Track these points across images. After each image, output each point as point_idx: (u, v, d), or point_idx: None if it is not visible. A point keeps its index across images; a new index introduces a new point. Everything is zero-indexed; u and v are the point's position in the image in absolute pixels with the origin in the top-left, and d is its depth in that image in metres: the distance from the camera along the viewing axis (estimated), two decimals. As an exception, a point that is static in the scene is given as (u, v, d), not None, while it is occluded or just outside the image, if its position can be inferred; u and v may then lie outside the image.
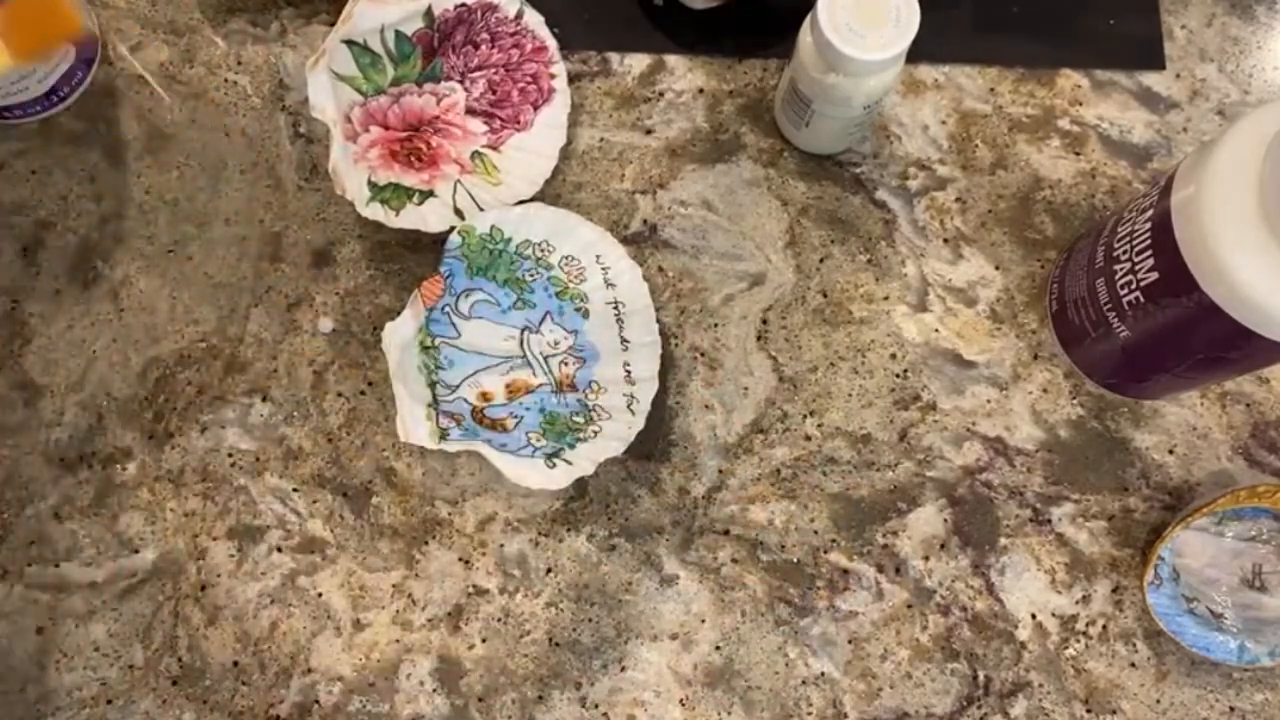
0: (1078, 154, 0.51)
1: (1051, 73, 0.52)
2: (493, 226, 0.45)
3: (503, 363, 0.45)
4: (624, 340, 0.45)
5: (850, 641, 0.45)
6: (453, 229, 0.45)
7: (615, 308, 0.46)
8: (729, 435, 0.47)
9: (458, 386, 0.45)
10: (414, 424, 0.43)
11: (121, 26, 0.51)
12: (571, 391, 0.45)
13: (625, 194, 0.50)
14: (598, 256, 0.46)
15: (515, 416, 0.44)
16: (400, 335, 0.44)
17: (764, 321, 0.48)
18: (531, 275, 0.46)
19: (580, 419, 0.44)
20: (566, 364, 0.45)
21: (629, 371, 0.45)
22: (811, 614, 0.45)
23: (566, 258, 0.46)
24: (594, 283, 0.46)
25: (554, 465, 0.43)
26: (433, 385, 0.44)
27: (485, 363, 0.45)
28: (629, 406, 0.44)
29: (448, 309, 0.45)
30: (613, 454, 0.43)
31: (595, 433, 0.44)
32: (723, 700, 0.44)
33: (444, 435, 0.43)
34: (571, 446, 0.44)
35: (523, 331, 0.45)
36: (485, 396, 0.45)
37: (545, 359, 0.45)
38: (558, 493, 0.46)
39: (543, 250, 0.46)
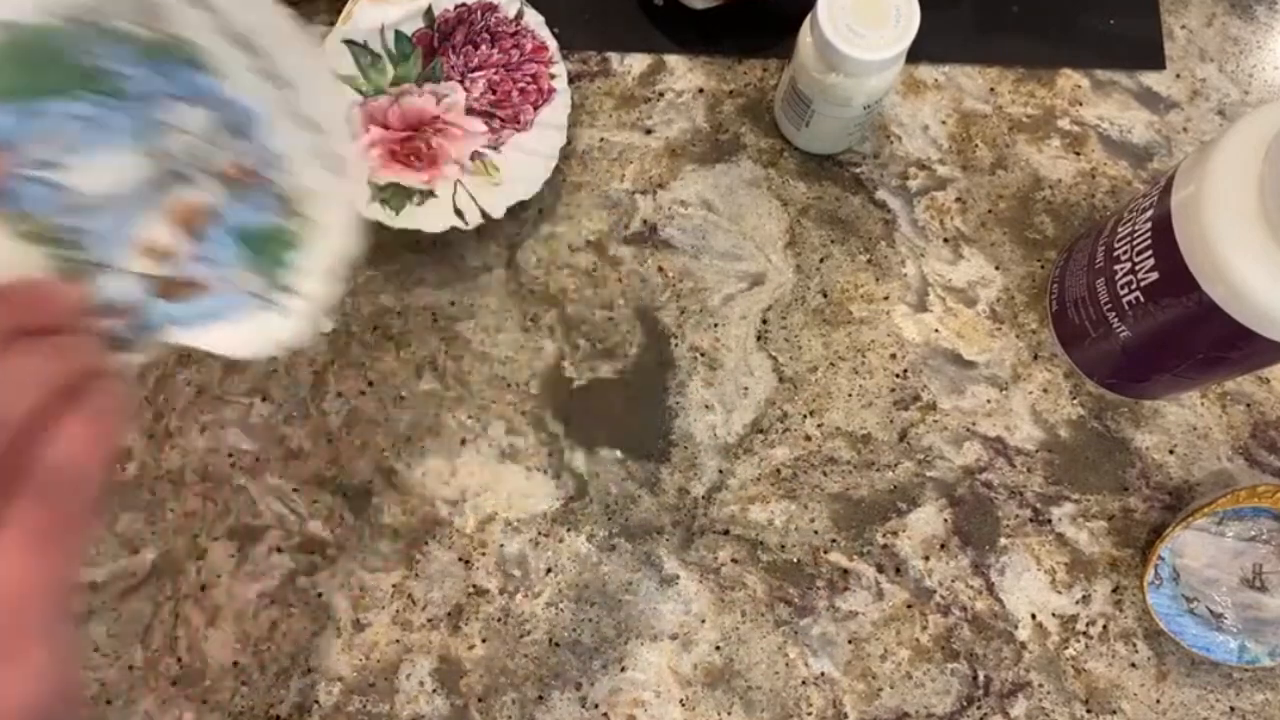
0: (1078, 154, 0.51)
1: (1052, 73, 0.52)
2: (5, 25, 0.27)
3: (148, 194, 0.29)
4: (277, 78, 0.30)
5: (850, 641, 0.45)
6: None
7: (232, 35, 0.29)
8: (729, 435, 0.47)
9: (108, 263, 0.29)
10: None
11: (121, 26, 0.51)
12: (257, 185, 0.30)
13: (625, 194, 0.50)
14: None
15: (210, 261, 0.30)
16: None
17: (764, 321, 0.48)
18: (105, 57, 0.28)
19: (287, 220, 0.30)
20: (229, 147, 0.30)
21: (306, 118, 0.30)
22: (811, 614, 0.45)
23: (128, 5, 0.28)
24: (182, 14, 0.29)
25: (278, 306, 0.30)
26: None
27: (124, 207, 0.29)
28: (335, 168, 0.30)
29: (20, 172, 0.28)
30: (343, 253, 0.31)
31: (313, 229, 0.31)
32: (723, 700, 0.44)
33: (117, 346, 0.28)
34: (291, 267, 0.30)
35: (146, 135, 0.29)
36: (154, 251, 0.29)
37: (196, 156, 0.29)
38: (556, 492, 0.46)
39: (94, 15, 0.27)
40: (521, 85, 0.49)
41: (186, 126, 0.29)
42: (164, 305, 0.29)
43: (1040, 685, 0.45)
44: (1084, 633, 0.45)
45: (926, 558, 0.46)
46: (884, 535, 0.46)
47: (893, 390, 0.48)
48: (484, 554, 0.45)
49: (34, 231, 0.28)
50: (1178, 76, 0.52)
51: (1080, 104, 0.52)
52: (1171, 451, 0.47)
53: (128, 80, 0.28)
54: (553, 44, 0.49)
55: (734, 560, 0.46)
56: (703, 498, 0.46)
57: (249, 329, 0.30)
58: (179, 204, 0.29)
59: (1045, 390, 0.48)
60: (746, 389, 0.47)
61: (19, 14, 0.27)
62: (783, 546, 0.46)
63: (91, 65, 0.28)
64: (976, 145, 0.51)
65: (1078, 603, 0.46)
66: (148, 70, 0.28)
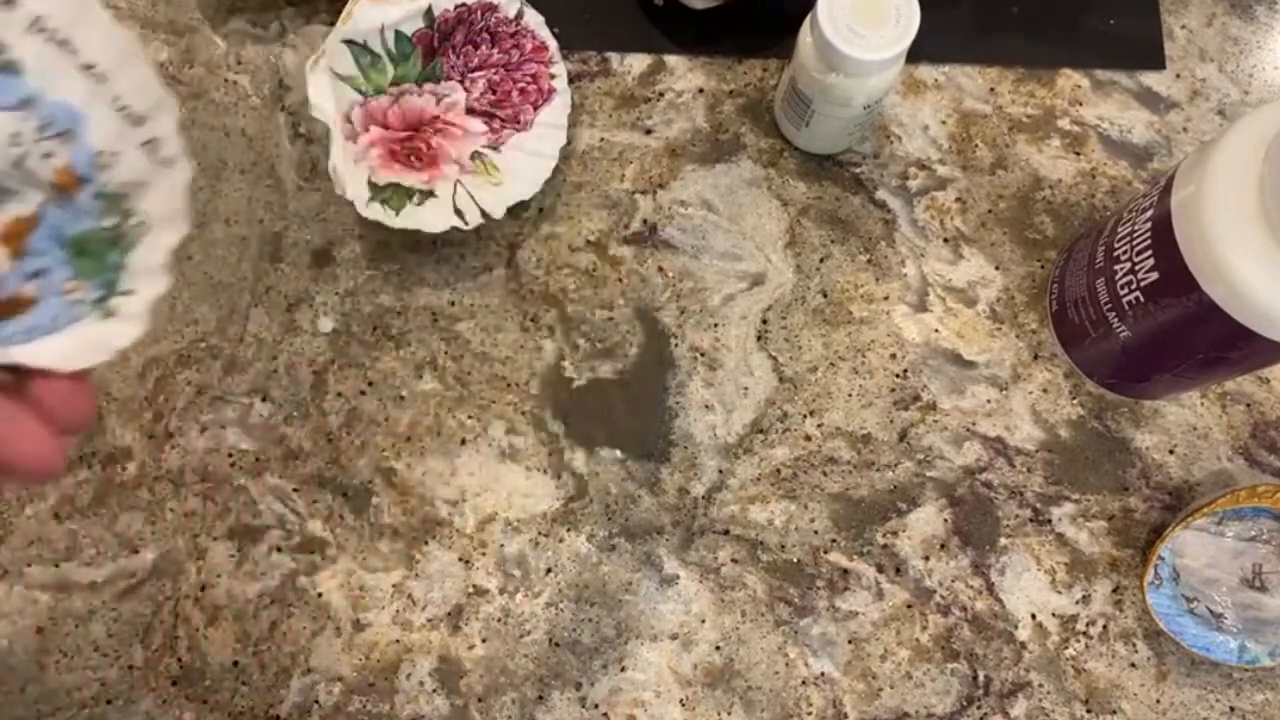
0: (1078, 154, 0.51)
1: (1052, 73, 0.52)
2: None
3: None
4: (89, 67, 0.27)
5: (850, 641, 0.45)
6: None
7: (45, 32, 0.27)
8: (729, 435, 0.47)
9: None
10: None
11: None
12: (81, 188, 0.28)
13: (625, 194, 0.50)
14: None
15: (33, 275, 0.28)
16: None
17: (764, 321, 0.48)
18: None
19: (113, 219, 0.28)
20: (50, 153, 0.27)
21: (126, 109, 0.28)
22: (811, 614, 0.45)
23: None
24: None
25: (110, 311, 0.28)
26: None
27: None
28: (159, 159, 0.28)
29: None
30: (175, 239, 0.29)
31: (140, 225, 0.29)
32: (723, 700, 0.44)
33: None
34: (120, 268, 0.28)
35: None
36: None
37: (19, 163, 0.27)
38: (556, 492, 0.46)
39: None
40: (521, 85, 0.49)
41: (5, 136, 0.26)
42: None
43: (1040, 685, 0.45)
44: (1084, 633, 0.45)
45: (926, 558, 0.46)
46: (884, 535, 0.46)
47: (893, 390, 0.48)
48: (484, 554, 0.45)
49: None
50: (1178, 76, 0.52)
51: (1080, 104, 0.52)
52: (1171, 451, 0.47)
53: None
54: (553, 44, 0.49)
55: (734, 560, 0.46)
56: (703, 498, 0.46)
57: (80, 338, 0.28)
58: (4, 221, 0.27)
59: (1045, 390, 0.48)
60: (746, 389, 0.47)
61: None
62: (783, 546, 0.46)
63: None
64: (976, 145, 0.51)
65: (1078, 603, 0.46)
66: None
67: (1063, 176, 0.50)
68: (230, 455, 0.46)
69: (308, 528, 0.45)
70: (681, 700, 0.44)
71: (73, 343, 0.27)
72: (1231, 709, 0.45)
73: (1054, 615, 0.45)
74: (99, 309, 0.28)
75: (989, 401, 0.48)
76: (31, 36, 0.26)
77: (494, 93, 0.49)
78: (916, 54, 0.51)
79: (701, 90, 0.51)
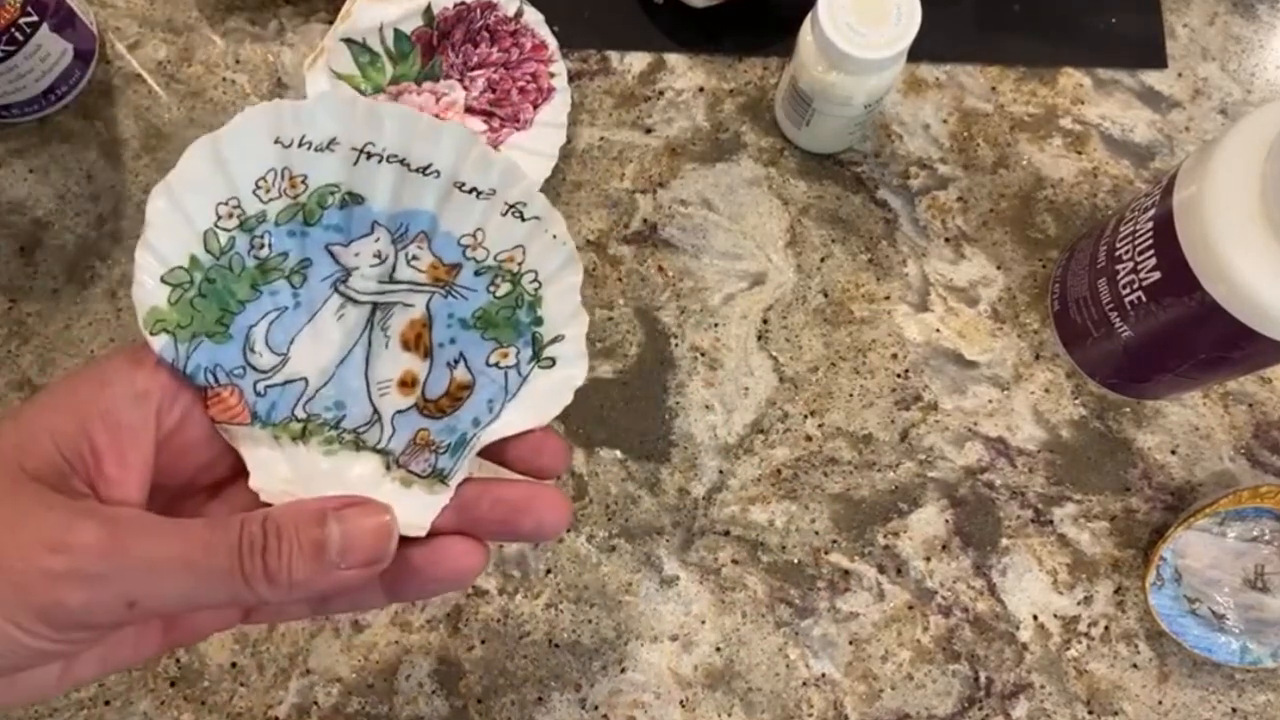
0: (1079, 153, 0.51)
1: (1053, 71, 0.52)
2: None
3: (364, 340, 0.29)
4: (424, 169, 0.29)
5: (851, 643, 0.45)
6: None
7: (373, 156, 0.28)
8: (729, 435, 0.47)
9: (377, 419, 0.29)
10: (402, 507, 0.27)
11: (119, 25, 0.51)
12: (456, 273, 0.30)
13: (625, 193, 0.50)
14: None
15: (453, 363, 0.30)
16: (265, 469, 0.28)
17: (764, 321, 0.48)
18: (263, 245, 0.28)
19: (506, 286, 0.29)
20: (415, 256, 0.29)
21: (473, 190, 0.29)
22: (812, 615, 0.45)
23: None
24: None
25: (550, 360, 0.30)
26: (355, 443, 0.29)
27: (355, 360, 0.29)
28: (525, 217, 0.29)
29: (240, 359, 0.28)
30: (576, 279, 0.29)
31: (535, 281, 0.29)
32: (723, 702, 0.44)
33: (441, 477, 0.29)
34: (537, 323, 0.30)
35: (334, 286, 0.29)
36: (407, 384, 0.29)
37: (391, 276, 0.29)
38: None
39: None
40: (521, 84, 0.49)
41: (359, 261, 0.29)
42: (458, 419, 0.29)
43: (1042, 686, 0.45)
44: (1086, 634, 0.45)
45: (928, 558, 0.46)
46: (885, 536, 0.46)
47: (894, 390, 0.48)
48: (483, 554, 0.45)
49: (295, 433, 0.29)
50: (1180, 75, 0.52)
51: (1082, 103, 0.51)
52: (1173, 452, 0.47)
53: (288, 256, 0.29)
54: (552, 42, 0.49)
55: (734, 561, 0.45)
56: (703, 498, 0.46)
57: (536, 392, 0.30)
58: (403, 328, 0.29)
59: (1047, 390, 0.48)
60: (747, 389, 0.47)
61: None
62: (783, 547, 0.46)
63: (258, 261, 0.28)
64: (978, 144, 0.51)
65: (1079, 604, 0.45)
66: (299, 230, 0.29)
67: (1064, 176, 0.50)
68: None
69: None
70: (682, 702, 0.44)
71: (533, 399, 0.29)
72: (1233, 710, 0.45)
73: (1055, 616, 0.45)
74: (538, 362, 0.30)
75: (990, 401, 0.48)
76: (370, 165, 0.29)
77: (493, 91, 0.49)
78: (917, 53, 0.51)
79: (702, 89, 0.51)
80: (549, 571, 0.45)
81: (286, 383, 0.29)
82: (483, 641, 0.44)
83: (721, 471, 0.46)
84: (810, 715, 0.44)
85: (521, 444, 0.29)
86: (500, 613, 0.45)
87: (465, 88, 0.49)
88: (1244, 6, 0.53)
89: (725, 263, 0.49)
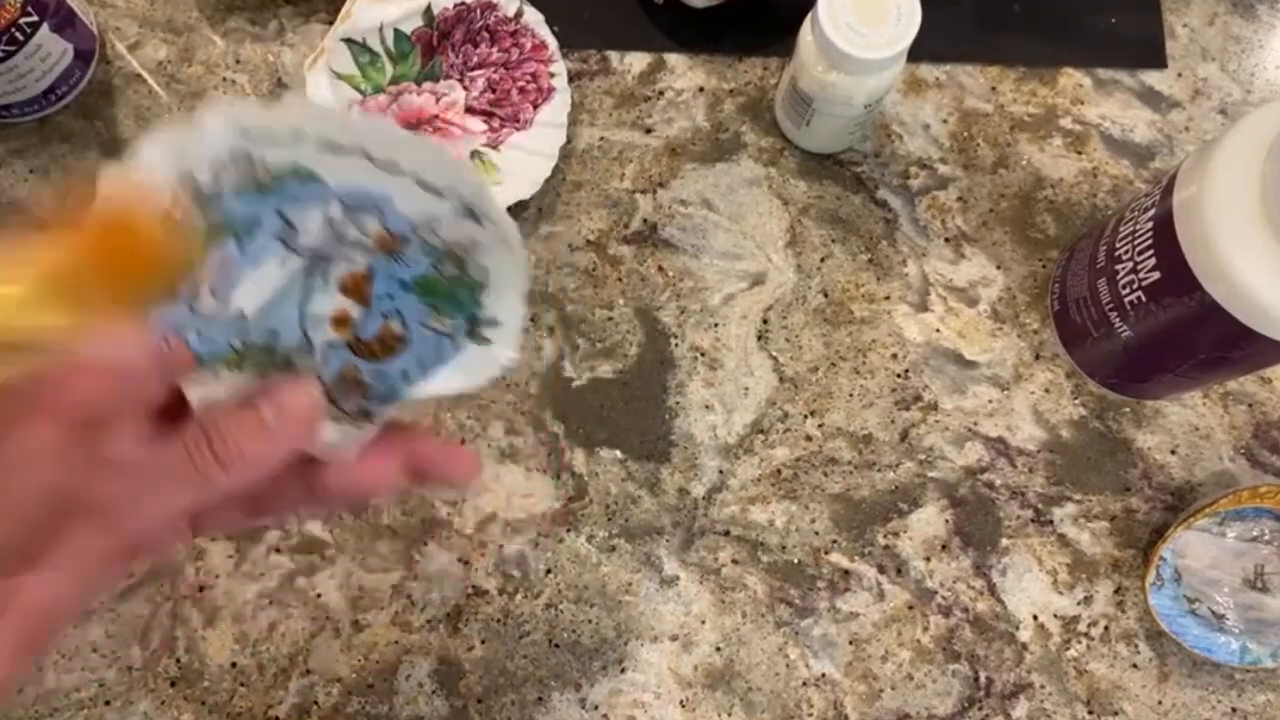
0: (1079, 153, 0.51)
1: (1053, 71, 0.52)
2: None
3: (306, 281, 0.30)
4: (390, 165, 0.30)
5: (851, 643, 0.45)
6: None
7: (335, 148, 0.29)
8: (729, 435, 0.47)
9: (308, 348, 0.30)
10: (330, 436, 0.29)
11: (120, 25, 0.51)
12: (405, 246, 0.30)
13: (625, 193, 0.50)
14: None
15: (389, 315, 0.31)
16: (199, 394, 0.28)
17: (764, 321, 0.48)
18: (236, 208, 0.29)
19: (452, 270, 0.31)
20: (364, 224, 0.30)
21: (429, 185, 0.30)
22: (812, 615, 0.45)
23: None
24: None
25: (485, 338, 0.31)
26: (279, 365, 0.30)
27: (290, 298, 0.30)
28: (479, 218, 0.30)
29: (186, 313, 0.29)
30: (522, 280, 0.30)
31: (482, 269, 0.31)
32: (723, 702, 0.44)
33: (367, 416, 0.30)
34: (476, 304, 0.31)
35: (281, 240, 0.30)
36: (340, 322, 0.30)
37: (339, 238, 0.30)
38: (556, 493, 0.46)
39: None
40: (521, 84, 0.49)
41: (309, 225, 0.30)
42: (389, 366, 0.30)
43: (1042, 686, 0.45)
44: (1085, 634, 0.45)
45: (928, 558, 0.46)
46: (885, 536, 0.46)
47: (894, 390, 0.48)
48: (483, 554, 0.45)
49: (233, 363, 0.29)
50: (1179, 76, 0.52)
51: (1082, 103, 0.51)
52: (1173, 452, 0.47)
53: (238, 219, 0.29)
54: (552, 42, 0.49)
55: (734, 561, 0.45)
56: (703, 498, 0.46)
57: (471, 362, 0.31)
58: (344, 276, 0.30)
59: (1047, 390, 0.48)
60: (747, 389, 0.47)
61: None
62: (783, 547, 0.46)
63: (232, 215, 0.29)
64: (978, 144, 0.51)
65: (1079, 604, 0.45)
66: (253, 197, 0.29)
67: (1064, 176, 0.50)
68: (229, 455, 0.46)
69: (307, 528, 0.45)
70: (682, 701, 0.44)
71: (464, 366, 0.31)
72: (1233, 710, 0.45)
73: (1055, 616, 0.45)
74: (473, 338, 0.31)
75: (990, 401, 0.48)
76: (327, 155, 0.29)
77: (493, 91, 0.49)
78: (917, 53, 0.51)
79: (702, 89, 0.51)
80: (549, 571, 0.45)
81: (226, 322, 0.29)
82: (483, 641, 0.44)
83: (721, 471, 0.46)
84: (810, 715, 0.44)
85: (435, 453, 0.31)
86: (500, 613, 0.45)
87: (465, 88, 0.49)
88: (1244, 6, 0.53)
89: (725, 263, 0.49)
